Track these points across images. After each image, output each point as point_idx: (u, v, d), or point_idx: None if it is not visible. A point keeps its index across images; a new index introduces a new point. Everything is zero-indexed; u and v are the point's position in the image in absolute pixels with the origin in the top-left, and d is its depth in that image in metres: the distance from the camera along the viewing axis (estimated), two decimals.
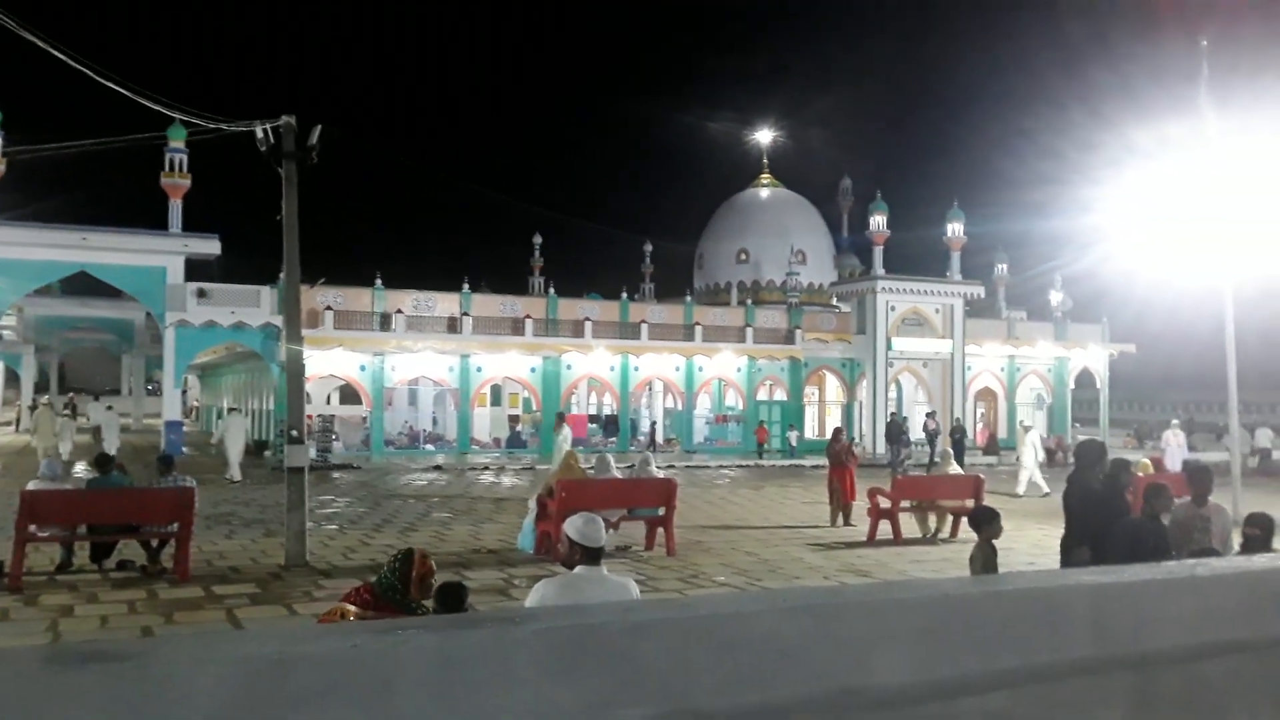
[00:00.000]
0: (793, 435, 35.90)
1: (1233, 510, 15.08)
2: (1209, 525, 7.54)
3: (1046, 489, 21.11)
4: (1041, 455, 24.06)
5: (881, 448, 37.36)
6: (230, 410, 31.27)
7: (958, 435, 31.19)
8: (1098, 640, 2.35)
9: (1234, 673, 2.52)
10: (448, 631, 2.12)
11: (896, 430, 30.41)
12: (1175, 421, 30.75)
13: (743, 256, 46.20)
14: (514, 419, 38.06)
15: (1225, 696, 2.53)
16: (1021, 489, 21.98)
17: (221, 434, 25.29)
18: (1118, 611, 2.43)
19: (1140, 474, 17.56)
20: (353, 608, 5.18)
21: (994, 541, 7.66)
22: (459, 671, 1.93)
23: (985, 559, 7.54)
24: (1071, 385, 43.16)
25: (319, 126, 12.97)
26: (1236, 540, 7.74)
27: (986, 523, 7.69)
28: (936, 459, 21.27)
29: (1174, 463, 22.16)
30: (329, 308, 31.65)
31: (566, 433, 21.13)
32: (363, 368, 32.81)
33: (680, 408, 37.48)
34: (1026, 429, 24.29)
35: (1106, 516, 7.10)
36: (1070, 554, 7.25)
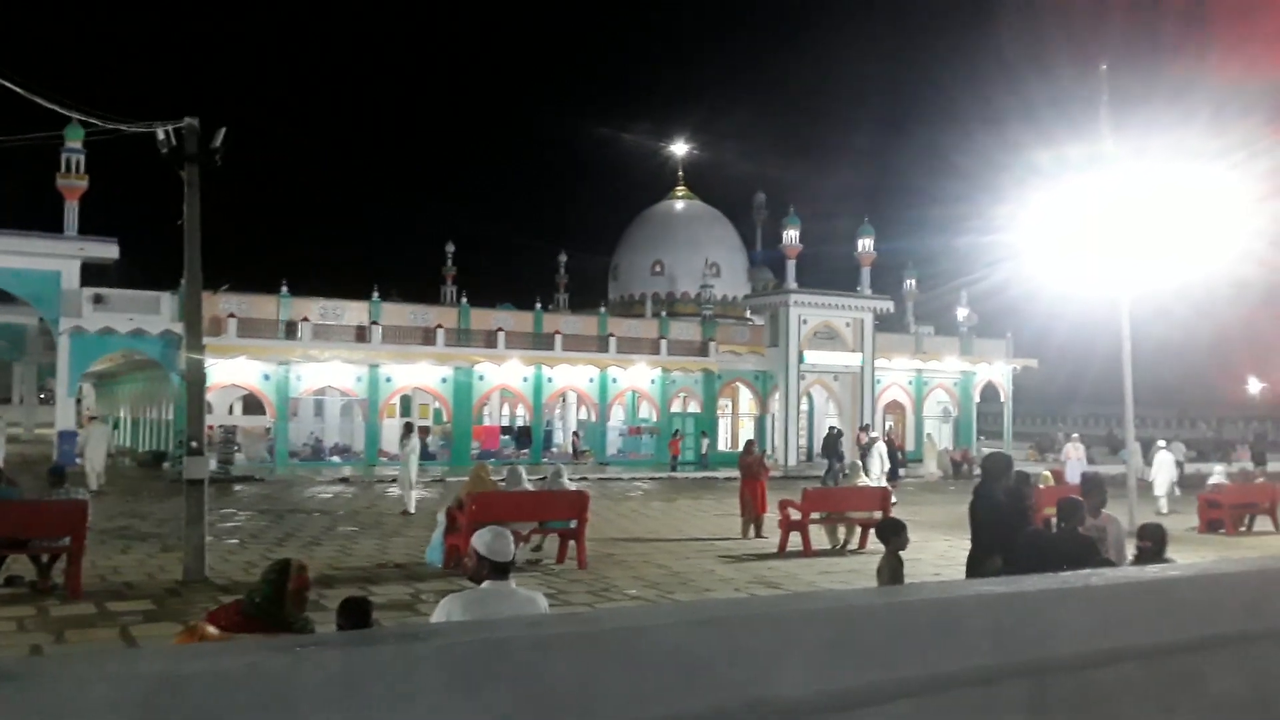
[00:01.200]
0: (704, 442, 36.03)
1: (1129, 522, 15.65)
2: (1104, 536, 7.78)
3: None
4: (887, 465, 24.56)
5: (794, 460, 37.90)
6: (91, 419, 30.12)
7: (892, 449, 31.65)
8: (997, 649, 2.40)
9: (1125, 679, 2.60)
10: (349, 648, 2.06)
11: (833, 444, 30.40)
12: (1075, 435, 31.81)
13: (657, 268, 46.43)
14: (424, 430, 37.55)
15: (1117, 702, 2.60)
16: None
17: (83, 443, 24.46)
18: (1016, 621, 2.48)
19: (1041, 486, 18.15)
20: (214, 629, 4.76)
21: (900, 553, 7.79)
22: (361, 689, 1.88)
23: (892, 570, 7.66)
24: (977, 399, 44.35)
25: (223, 129, 12.66)
26: (1130, 550, 8.00)
27: (894, 534, 7.82)
28: (874, 471, 21.75)
29: (1074, 475, 22.86)
30: (232, 315, 30.88)
31: (414, 443, 20.67)
32: (267, 377, 32.06)
33: (594, 419, 37.45)
34: (871, 440, 24.93)
35: (1010, 528, 7.29)
36: (982, 564, 7.40)
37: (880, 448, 25.35)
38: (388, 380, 33.79)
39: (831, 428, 34.40)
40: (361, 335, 32.89)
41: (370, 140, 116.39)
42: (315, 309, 32.70)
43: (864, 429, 33.81)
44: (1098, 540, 7.68)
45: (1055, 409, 74.31)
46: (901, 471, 30.66)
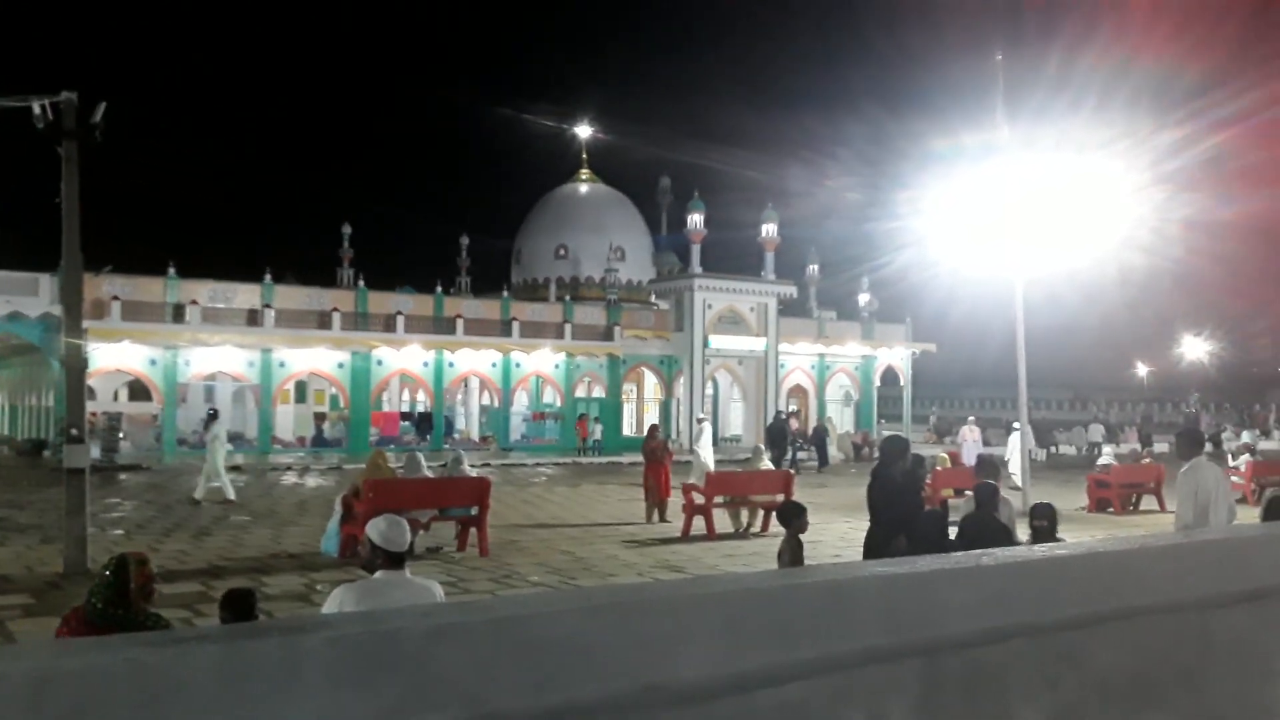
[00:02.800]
0: (598, 429, 35.92)
1: (1022, 502, 16.18)
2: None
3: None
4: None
5: (688, 443, 38.20)
6: None
7: (821, 434, 32.06)
8: (890, 629, 2.42)
9: (1013, 656, 2.65)
10: (231, 642, 1.99)
11: (780, 430, 30.18)
12: (971, 418, 32.77)
13: (561, 252, 46.22)
14: (320, 417, 36.80)
15: (1005, 678, 2.65)
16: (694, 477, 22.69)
17: None
18: (909, 601, 2.51)
19: (939, 468, 18.65)
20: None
21: (801, 535, 7.89)
22: (243, 685, 1.82)
23: (793, 552, 7.76)
24: (877, 382, 45.32)
25: (104, 104, 12.13)
26: (1023, 530, 8.25)
27: (795, 517, 7.91)
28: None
29: (970, 457, 23.53)
30: (116, 298, 29.80)
31: (216, 430, 20.09)
32: (153, 362, 31.00)
33: (497, 405, 37.16)
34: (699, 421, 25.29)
35: (908, 508, 7.44)
36: (880, 545, 7.53)
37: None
38: (282, 365, 32.99)
39: (778, 412, 34.48)
40: (254, 319, 32.05)
41: (264, 118, 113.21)
42: (204, 291, 31.75)
43: (793, 414, 34.24)
44: None
45: (954, 392, 76.58)
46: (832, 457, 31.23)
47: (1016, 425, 28.47)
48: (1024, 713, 2.68)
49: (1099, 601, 2.91)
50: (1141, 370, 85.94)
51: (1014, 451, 24.13)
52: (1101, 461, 21.42)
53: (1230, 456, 24.00)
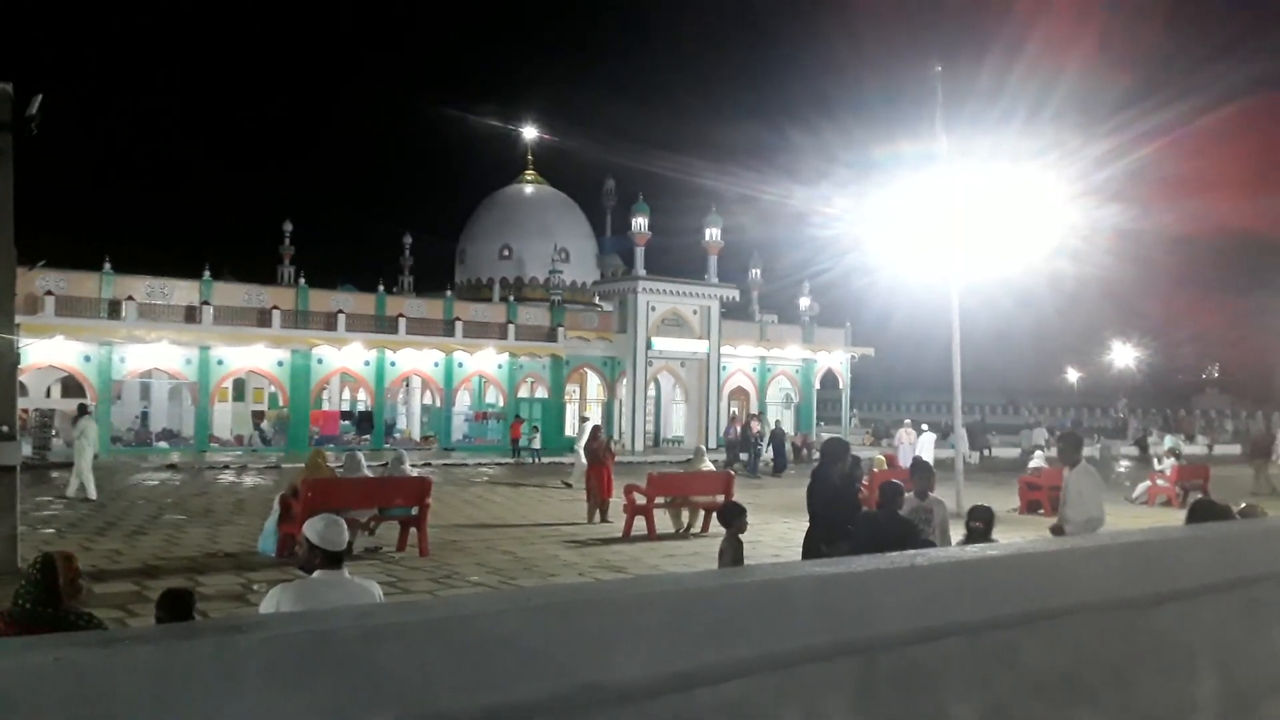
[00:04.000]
0: (535, 435, 33.97)
1: (956, 503, 16.44)
2: (930, 517, 8.16)
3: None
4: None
5: (641, 445, 38.26)
6: None
7: (780, 437, 32.16)
8: (828, 628, 2.46)
9: (947, 655, 2.70)
10: (165, 642, 1.96)
11: (780, 436, 30.79)
12: (908, 420, 33.23)
13: (506, 253, 46.01)
14: (258, 415, 36.25)
15: (939, 677, 2.70)
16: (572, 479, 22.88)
17: None
18: (846, 600, 2.55)
19: (876, 470, 18.87)
20: None
21: (741, 535, 7.95)
22: (178, 686, 1.79)
23: (734, 552, 7.81)
24: (817, 385, 45.76)
25: (40, 96, 11.83)
26: (957, 531, 8.40)
27: (735, 517, 7.97)
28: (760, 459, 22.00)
29: (906, 459, 23.89)
30: (50, 293, 29.10)
31: (84, 426, 19.24)
32: (88, 358, 30.33)
33: (439, 404, 36.89)
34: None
35: (846, 509, 7.54)
36: (820, 547, 7.61)
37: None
38: (220, 363, 32.46)
39: (777, 422, 34.78)
40: (191, 316, 31.50)
41: (205, 113, 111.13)
42: (141, 287, 31.15)
43: (754, 417, 34.35)
44: (924, 521, 8.04)
45: (892, 396, 77.58)
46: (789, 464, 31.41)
47: (925, 427, 29.41)
48: (958, 711, 2.74)
49: (1030, 601, 2.98)
50: (1072, 376, 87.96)
51: (924, 451, 24.79)
52: (1033, 464, 21.84)
53: (1156, 460, 24.64)
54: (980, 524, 7.37)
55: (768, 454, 30.96)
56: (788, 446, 32.57)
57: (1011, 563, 3.16)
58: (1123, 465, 37.01)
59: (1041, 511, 19.51)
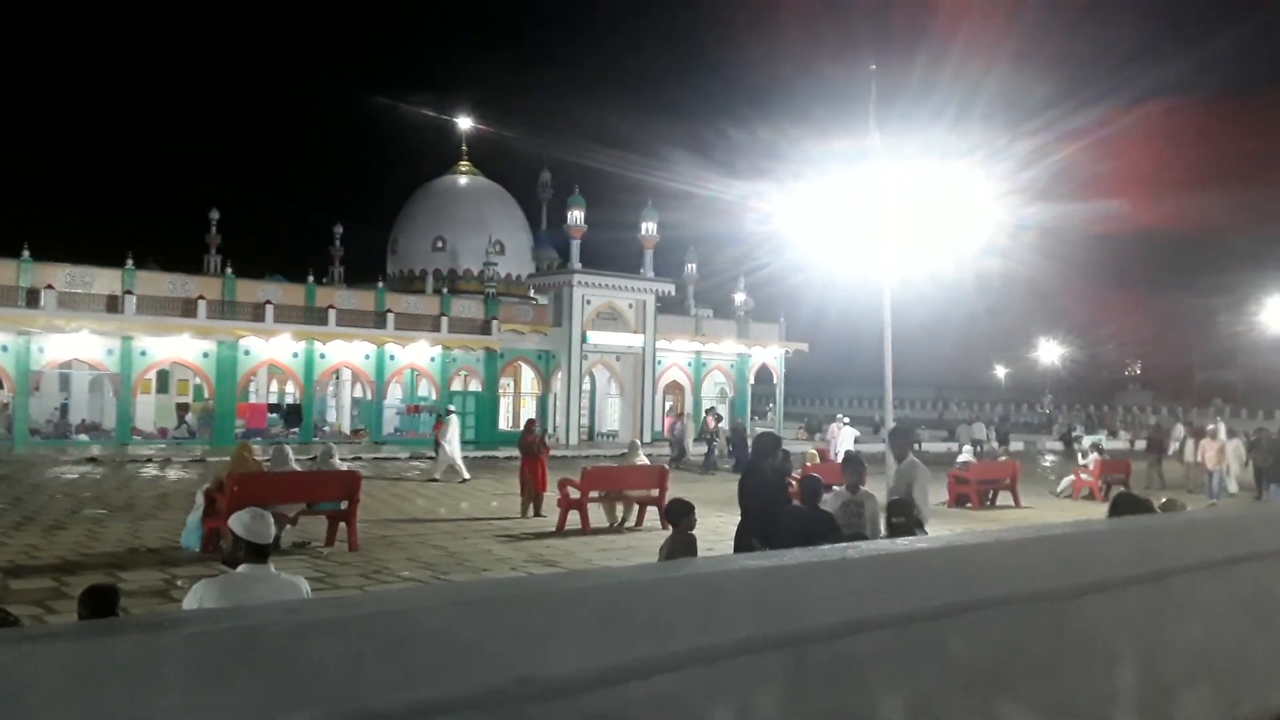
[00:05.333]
0: (439, 432, 30.91)
1: (886, 497, 16.67)
2: (862, 510, 8.26)
3: (466, 474, 22.71)
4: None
5: (575, 439, 38.19)
6: None
7: (741, 433, 32.05)
8: (759, 621, 2.48)
9: (876, 647, 2.74)
10: (85, 639, 1.92)
11: (741, 433, 30.52)
12: (840, 415, 33.63)
13: (439, 244, 45.53)
14: (183, 407, 35.47)
15: (869, 669, 2.74)
16: (438, 472, 23.18)
17: None
18: (777, 593, 2.57)
19: (808, 463, 19.06)
20: None
21: (691, 532, 7.92)
22: (98, 684, 1.75)
23: (686, 550, 7.75)
24: (752, 380, 46.10)
25: None
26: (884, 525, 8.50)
27: (684, 515, 7.92)
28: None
29: (837, 454, 24.20)
30: None
31: None
32: (4, 348, 29.40)
33: (370, 397, 36.44)
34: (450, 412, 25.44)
35: (775, 503, 7.61)
36: (748, 544, 7.67)
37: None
38: (143, 354, 31.67)
39: (737, 418, 34.39)
40: (113, 305, 30.69)
41: (129, 97, 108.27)
42: (61, 276, 30.26)
43: (709, 411, 34.32)
44: (855, 514, 8.15)
45: (826, 391, 78.49)
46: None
47: (841, 418, 29.82)
48: (886, 702, 2.77)
49: (957, 593, 3.03)
50: (1000, 372, 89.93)
51: (846, 445, 25.22)
52: (961, 459, 22.27)
53: (1080, 455, 25.28)
54: (901, 518, 7.46)
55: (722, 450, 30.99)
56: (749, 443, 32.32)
57: (940, 555, 3.21)
58: (1048, 460, 37.91)
59: (969, 505, 19.94)
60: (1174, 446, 35.82)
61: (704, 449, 30.49)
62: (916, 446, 39.93)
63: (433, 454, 24.72)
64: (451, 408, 28.83)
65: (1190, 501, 13.81)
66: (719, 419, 32.21)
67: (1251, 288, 58.17)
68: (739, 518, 8.13)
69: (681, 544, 7.81)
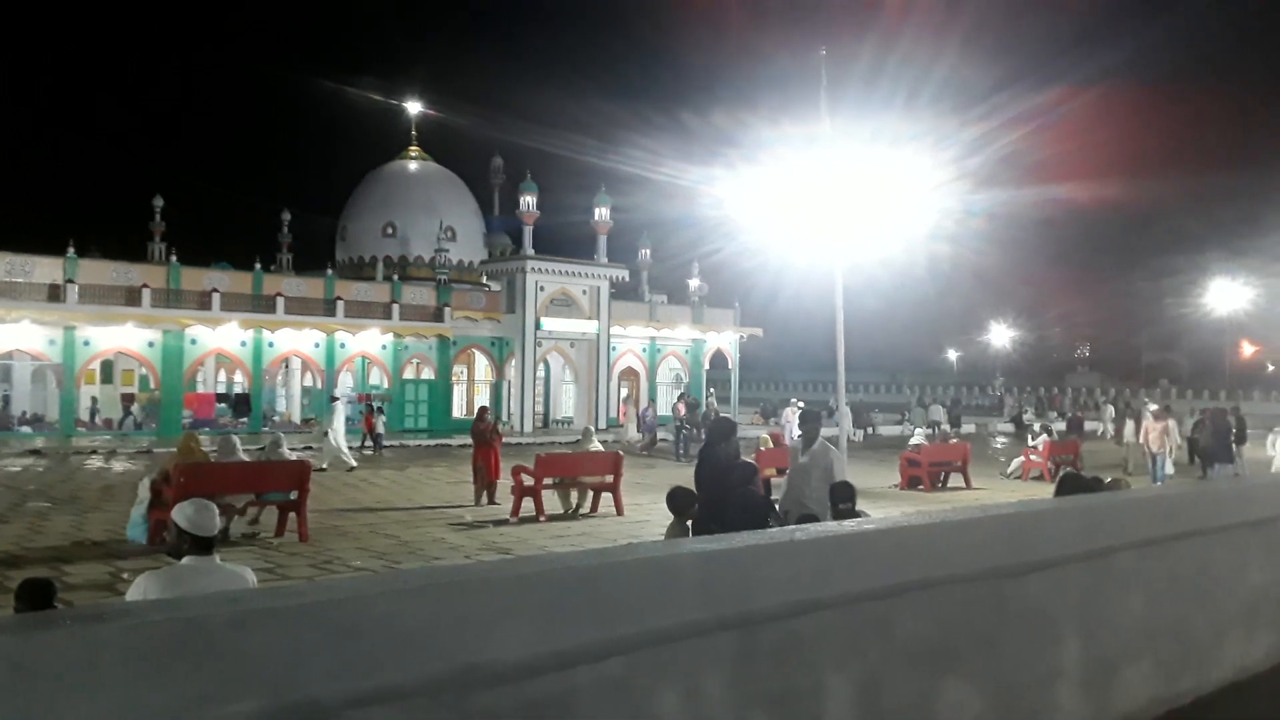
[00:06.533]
0: (380, 419, 29.84)
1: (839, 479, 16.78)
2: (822, 460, 8.33)
3: (353, 463, 22.60)
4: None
5: (530, 426, 38.05)
6: None
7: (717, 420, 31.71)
8: (708, 604, 2.48)
9: (824, 627, 2.76)
10: (21, 632, 1.89)
11: (725, 427, 30.19)
12: (794, 400, 33.81)
13: (389, 231, 45.04)
14: (128, 398, 34.85)
15: (816, 648, 2.76)
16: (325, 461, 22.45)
17: None
18: (725, 576, 2.58)
19: (762, 448, 19.13)
20: None
21: (688, 523, 7.88)
22: (35, 677, 1.72)
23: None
24: (707, 365, 46.22)
25: None
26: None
27: (687, 505, 7.85)
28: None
29: (792, 438, 24.33)
30: None
31: None
32: None
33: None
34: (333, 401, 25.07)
35: (727, 488, 7.63)
36: (706, 529, 7.67)
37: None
38: (86, 344, 31.06)
39: (710, 402, 34.33)
40: (55, 294, 30.03)
41: (70, 82, 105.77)
42: (0, 264, 29.57)
43: (681, 397, 34.19)
44: (817, 463, 8.23)
45: (780, 375, 79.00)
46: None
47: (795, 402, 29.94)
48: (834, 681, 2.80)
49: (905, 573, 3.06)
50: (952, 355, 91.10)
51: (795, 427, 25.45)
52: (913, 441, 22.50)
53: (1030, 436, 25.66)
54: (847, 504, 7.48)
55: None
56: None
57: (887, 537, 3.24)
58: (999, 442, 38.46)
59: (921, 487, 20.18)
60: (1102, 428, 36.52)
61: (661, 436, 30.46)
62: (869, 429, 40.21)
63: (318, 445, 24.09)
64: (337, 394, 28.25)
65: (1134, 484, 14.09)
66: (695, 405, 32.06)
67: (1196, 271, 59.45)
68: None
69: (680, 534, 7.75)
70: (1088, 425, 35.60)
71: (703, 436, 29.94)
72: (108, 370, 34.93)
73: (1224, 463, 19.60)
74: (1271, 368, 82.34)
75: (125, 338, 31.69)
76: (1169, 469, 20.60)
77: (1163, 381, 75.80)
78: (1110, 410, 42.17)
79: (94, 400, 33.82)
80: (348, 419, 35.69)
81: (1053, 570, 3.74)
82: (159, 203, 45.85)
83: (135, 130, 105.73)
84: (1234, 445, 20.34)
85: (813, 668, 2.78)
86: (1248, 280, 56.08)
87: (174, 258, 34.22)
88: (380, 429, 29.36)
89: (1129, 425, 25.02)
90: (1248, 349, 79.27)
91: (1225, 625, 4.68)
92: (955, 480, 21.16)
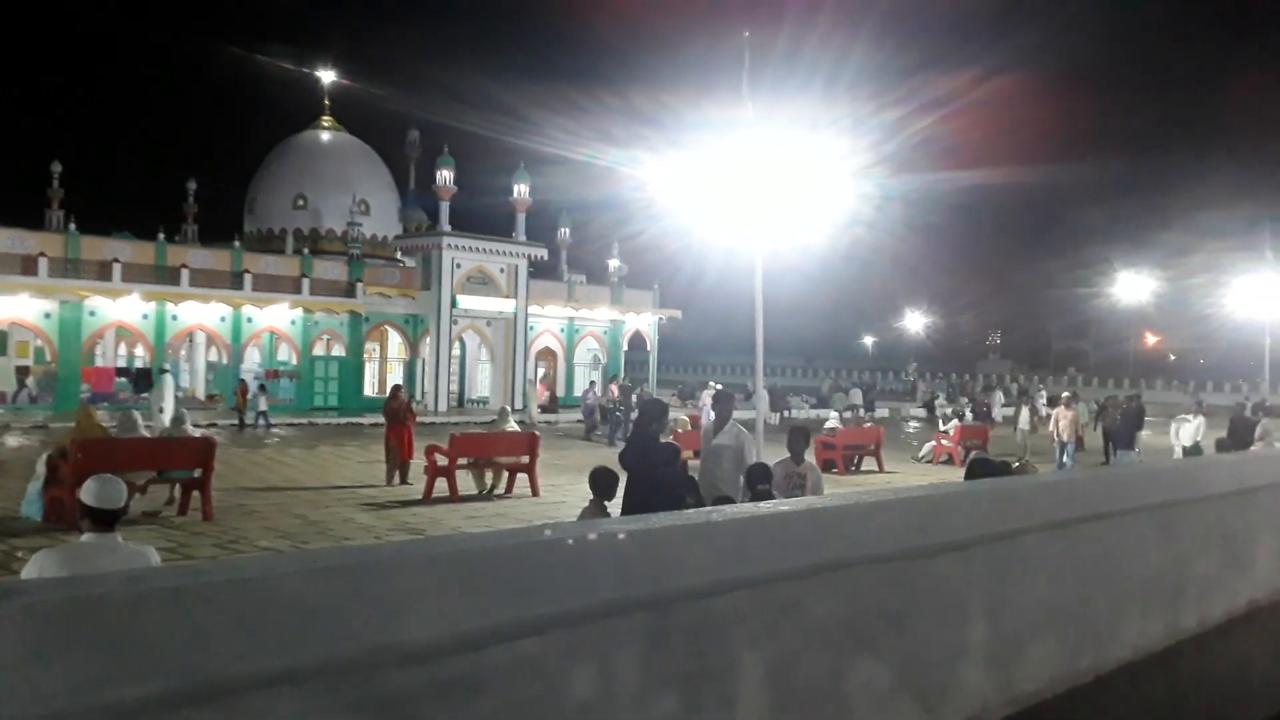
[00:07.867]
0: (262, 398, 29.66)
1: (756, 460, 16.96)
2: (804, 481, 8.39)
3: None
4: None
5: (444, 405, 37.66)
6: None
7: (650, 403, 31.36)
8: (621, 584, 2.47)
9: (738, 607, 2.77)
10: None
11: (657, 408, 29.79)
12: (712, 383, 34.06)
13: (300, 202, 44.00)
14: (23, 371, 33.56)
15: (730, 628, 2.77)
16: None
17: None
18: (641, 556, 2.57)
19: (680, 430, 19.22)
20: None
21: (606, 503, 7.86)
22: None
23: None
24: (625, 347, 46.27)
25: None
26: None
27: (609, 486, 7.80)
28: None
29: (708, 420, 24.43)
30: None
31: None
32: None
33: (226, 361, 35.15)
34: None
35: (652, 468, 7.65)
36: (634, 509, 7.66)
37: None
38: None
39: (642, 387, 33.92)
40: None
41: None
42: None
43: (614, 379, 33.94)
44: (798, 486, 8.29)
45: (699, 357, 79.52)
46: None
47: (713, 384, 30.13)
48: (748, 660, 2.82)
49: (819, 553, 3.09)
50: (868, 340, 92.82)
51: (706, 412, 25.68)
52: (828, 425, 22.85)
53: (941, 420, 26.23)
54: (765, 485, 7.56)
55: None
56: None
57: (802, 518, 3.27)
58: (912, 426, 39.27)
59: (835, 470, 20.51)
60: (998, 413, 37.43)
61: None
62: (787, 412, 40.65)
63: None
64: (166, 367, 27.58)
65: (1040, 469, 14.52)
66: (632, 389, 31.91)
67: (1103, 263, 61.50)
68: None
69: (598, 516, 7.72)
70: (994, 412, 36.48)
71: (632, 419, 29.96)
72: (1, 341, 33.61)
73: (1126, 449, 20.32)
74: (1173, 358, 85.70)
75: (20, 308, 30.50)
76: (1069, 456, 21.22)
77: (1070, 369, 78.32)
78: (999, 396, 43.17)
79: None
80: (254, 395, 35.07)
81: (962, 551, 3.82)
82: (57, 169, 44.12)
83: (32, 93, 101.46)
84: (1136, 432, 21.07)
85: (727, 647, 2.79)
86: (1151, 273, 58.23)
87: (73, 226, 32.98)
88: (263, 405, 29.05)
89: (1024, 413, 25.28)
90: (1150, 339, 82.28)
91: (1125, 606, 4.85)
92: (869, 464, 21.57)
